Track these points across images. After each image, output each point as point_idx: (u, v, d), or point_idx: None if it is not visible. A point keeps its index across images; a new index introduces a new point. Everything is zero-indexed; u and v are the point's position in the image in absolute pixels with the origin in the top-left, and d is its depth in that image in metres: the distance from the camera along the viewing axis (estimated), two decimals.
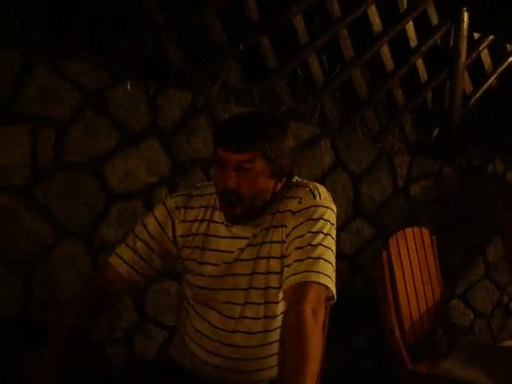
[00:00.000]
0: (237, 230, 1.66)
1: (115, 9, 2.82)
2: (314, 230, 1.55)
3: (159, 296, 2.80)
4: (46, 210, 2.50)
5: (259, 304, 1.66)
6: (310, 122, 3.31)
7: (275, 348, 1.69)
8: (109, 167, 2.62)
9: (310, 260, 1.50)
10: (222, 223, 1.68)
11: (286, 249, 1.59)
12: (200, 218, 1.70)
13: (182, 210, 1.71)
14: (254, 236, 1.65)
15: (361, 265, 3.36)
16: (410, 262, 2.78)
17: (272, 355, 1.70)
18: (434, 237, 2.97)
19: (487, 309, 4.11)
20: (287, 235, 1.60)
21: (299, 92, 3.42)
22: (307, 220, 1.57)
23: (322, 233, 1.56)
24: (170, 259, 1.77)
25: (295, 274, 1.50)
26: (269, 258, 1.64)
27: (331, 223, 1.60)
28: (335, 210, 1.64)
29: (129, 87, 2.64)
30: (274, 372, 1.71)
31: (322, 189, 1.65)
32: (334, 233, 1.60)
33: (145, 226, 1.72)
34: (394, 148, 3.67)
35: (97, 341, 2.61)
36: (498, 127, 4.45)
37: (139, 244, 1.70)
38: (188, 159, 2.81)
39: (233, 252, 1.66)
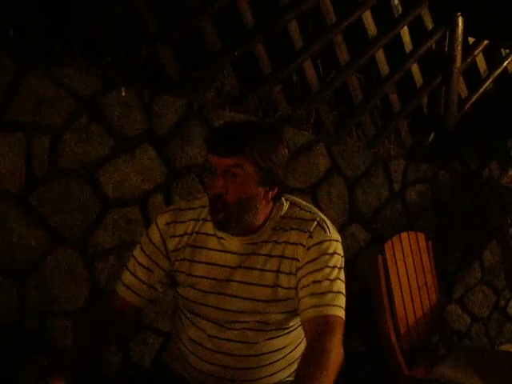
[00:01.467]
0: (228, 244, 1.64)
1: (109, 15, 2.83)
2: (330, 264, 1.58)
3: (155, 302, 2.79)
4: (41, 217, 2.50)
5: (250, 321, 1.66)
6: (305, 127, 3.31)
7: (271, 357, 1.70)
8: (103, 174, 2.62)
9: (331, 294, 1.54)
10: (214, 235, 1.66)
11: (299, 281, 1.58)
12: (189, 231, 1.68)
13: (171, 225, 1.69)
14: (248, 255, 1.63)
15: (357, 270, 3.36)
16: (406, 266, 2.77)
17: (268, 364, 1.70)
18: (429, 241, 2.97)
19: (484, 313, 4.11)
20: (298, 269, 1.59)
21: (294, 98, 3.42)
22: (322, 255, 1.58)
23: (337, 267, 1.59)
24: (169, 281, 1.75)
25: (316, 306, 1.53)
26: (269, 286, 1.62)
27: (342, 256, 1.63)
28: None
29: (123, 94, 2.64)
30: (271, 381, 1.72)
31: (327, 220, 1.66)
32: (343, 263, 1.64)
33: (142, 250, 1.71)
34: (390, 153, 3.67)
35: None
36: (493, 131, 4.46)
37: (140, 271, 1.69)
38: (183, 166, 2.81)
39: (224, 267, 1.65)
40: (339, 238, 1.65)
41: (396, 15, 3.88)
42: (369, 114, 3.74)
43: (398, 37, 3.89)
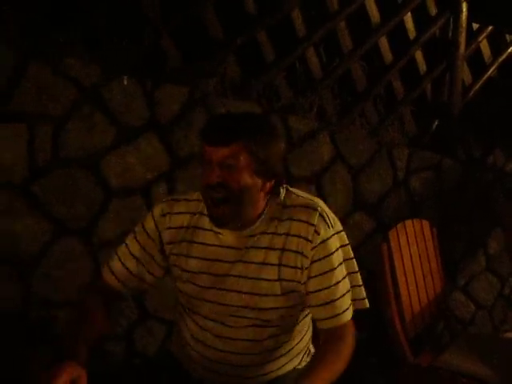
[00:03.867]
0: (226, 238, 1.60)
1: (111, 4, 2.81)
2: (336, 264, 1.57)
3: (158, 292, 2.79)
4: (44, 208, 2.50)
5: (250, 318, 1.63)
6: (308, 115, 3.30)
7: (275, 353, 1.69)
8: (106, 163, 2.61)
9: (340, 300, 1.58)
10: (211, 230, 1.62)
11: (307, 283, 1.58)
12: (185, 224, 1.65)
13: (167, 217, 1.65)
14: (247, 249, 1.60)
15: (362, 258, 3.34)
16: (411, 254, 2.76)
17: (274, 359, 1.69)
18: (434, 229, 2.95)
19: (488, 301, 4.11)
20: (305, 268, 1.57)
21: (297, 86, 3.40)
22: (327, 255, 1.57)
23: (343, 262, 1.60)
24: (160, 274, 1.72)
25: (328, 318, 1.58)
26: (270, 280, 1.59)
27: (346, 244, 1.62)
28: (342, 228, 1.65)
29: (125, 83, 2.63)
30: (276, 374, 1.72)
31: (327, 209, 1.62)
32: (350, 250, 1.64)
33: (136, 239, 1.68)
34: (394, 141, 3.65)
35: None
36: (497, 119, 4.43)
37: (129, 261, 1.67)
38: (186, 154, 2.80)
39: (222, 262, 1.61)
40: (341, 228, 1.63)
41: (399, 1, 3.84)
42: (372, 102, 3.72)
43: (402, 23, 3.86)
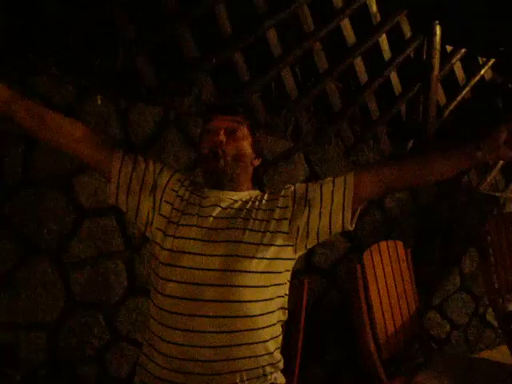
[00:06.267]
0: (212, 200, 1.76)
1: (84, 23, 2.79)
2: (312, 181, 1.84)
3: (132, 313, 2.75)
4: (14, 228, 2.45)
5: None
6: (283, 135, 3.30)
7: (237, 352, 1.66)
8: (78, 183, 2.58)
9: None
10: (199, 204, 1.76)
11: (305, 206, 1.74)
12: (186, 197, 1.79)
13: (178, 184, 1.82)
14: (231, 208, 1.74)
15: (336, 278, 3.35)
16: (385, 275, 2.76)
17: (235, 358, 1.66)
18: (408, 250, 2.97)
19: (463, 320, 4.12)
20: (291, 210, 1.73)
21: (273, 105, 3.41)
22: (301, 184, 1.81)
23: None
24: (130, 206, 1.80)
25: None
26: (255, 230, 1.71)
27: None
28: None
29: (99, 102, 2.61)
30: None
31: None
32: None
33: (146, 164, 1.82)
34: (369, 160, 3.67)
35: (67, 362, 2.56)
36: (471, 139, 4.47)
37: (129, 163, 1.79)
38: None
39: (211, 217, 1.73)
40: None
41: (374, 23, 3.88)
42: (348, 122, 3.74)
43: (377, 45, 3.90)
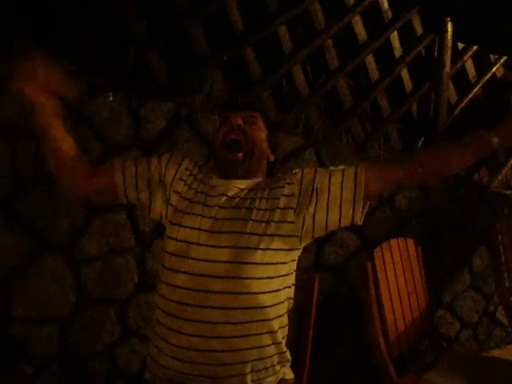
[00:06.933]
0: (222, 189, 1.76)
1: (97, 20, 2.80)
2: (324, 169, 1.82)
3: (142, 308, 2.77)
4: (26, 223, 2.47)
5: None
6: (294, 132, 3.30)
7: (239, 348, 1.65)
8: None
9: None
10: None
11: (313, 192, 1.72)
12: (195, 186, 1.81)
13: (187, 173, 1.83)
14: (236, 197, 1.73)
15: (346, 276, 3.35)
16: (395, 273, 2.76)
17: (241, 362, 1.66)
18: (418, 247, 2.96)
19: (473, 318, 4.11)
20: (298, 198, 1.71)
21: (284, 103, 3.41)
22: (308, 170, 1.79)
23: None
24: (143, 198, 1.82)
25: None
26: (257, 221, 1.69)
27: None
28: None
29: (111, 99, 2.62)
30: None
31: None
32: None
33: (148, 164, 1.84)
34: (380, 158, 3.66)
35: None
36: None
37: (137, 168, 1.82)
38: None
39: (214, 206, 1.73)
40: None
41: (386, 20, 3.87)
42: (358, 119, 3.73)
43: (388, 42, 3.88)
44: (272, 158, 1.87)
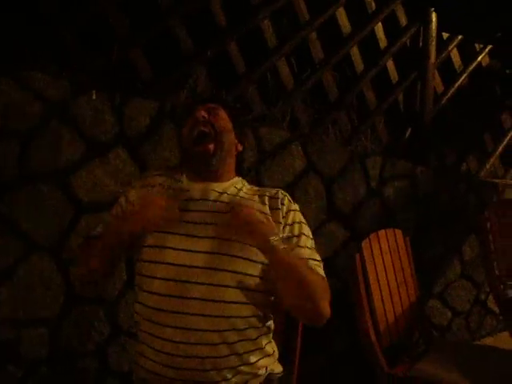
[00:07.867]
0: (194, 193, 1.74)
1: (79, 19, 2.78)
2: (305, 232, 1.77)
3: (131, 308, 2.75)
4: (12, 224, 2.45)
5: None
6: (280, 126, 3.30)
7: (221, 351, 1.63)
8: (76, 178, 2.57)
9: (317, 262, 1.77)
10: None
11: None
12: None
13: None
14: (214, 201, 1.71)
15: (336, 268, 3.35)
16: (384, 264, 2.76)
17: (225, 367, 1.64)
18: (407, 238, 2.96)
19: (465, 307, 4.13)
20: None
21: (270, 96, 3.40)
22: (298, 222, 1.76)
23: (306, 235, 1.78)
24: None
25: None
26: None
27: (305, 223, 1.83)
28: None
29: (94, 97, 2.60)
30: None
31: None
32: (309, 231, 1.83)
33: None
34: (367, 150, 3.66)
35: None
36: (469, 126, 4.48)
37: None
38: (156, 168, 2.77)
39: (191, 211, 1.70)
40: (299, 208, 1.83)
41: (370, 12, 3.87)
42: (345, 112, 3.73)
43: (373, 33, 3.89)
44: (240, 147, 1.86)
